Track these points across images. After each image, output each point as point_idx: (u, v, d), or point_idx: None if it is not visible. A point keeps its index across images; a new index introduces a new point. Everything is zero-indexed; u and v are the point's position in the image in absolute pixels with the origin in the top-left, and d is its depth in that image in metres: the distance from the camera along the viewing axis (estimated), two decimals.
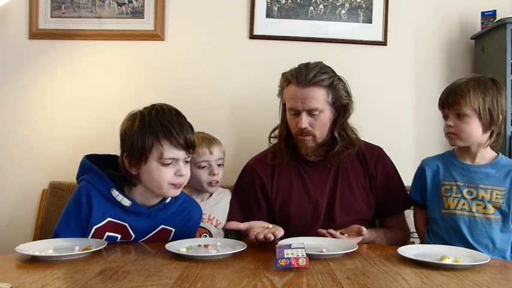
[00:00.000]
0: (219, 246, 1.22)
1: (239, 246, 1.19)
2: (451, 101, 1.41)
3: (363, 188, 1.60)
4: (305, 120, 1.50)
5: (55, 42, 2.17)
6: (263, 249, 1.24)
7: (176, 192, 1.30)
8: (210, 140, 1.62)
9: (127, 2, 2.16)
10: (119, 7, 2.17)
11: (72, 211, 1.29)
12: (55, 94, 2.17)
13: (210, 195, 1.68)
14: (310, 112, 1.50)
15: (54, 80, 2.18)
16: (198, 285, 0.92)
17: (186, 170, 1.29)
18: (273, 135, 1.71)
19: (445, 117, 1.46)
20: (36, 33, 2.16)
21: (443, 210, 1.45)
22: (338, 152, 1.56)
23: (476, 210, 1.41)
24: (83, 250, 1.15)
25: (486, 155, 1.45)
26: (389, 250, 1.23)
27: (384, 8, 2.18)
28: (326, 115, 1.53)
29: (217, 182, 1.63)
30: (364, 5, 2.18)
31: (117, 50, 2.18)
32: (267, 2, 2.17)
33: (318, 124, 1.52)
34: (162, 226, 1.36)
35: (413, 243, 1.87)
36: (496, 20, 2.02)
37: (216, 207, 1.65)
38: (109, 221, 1.29)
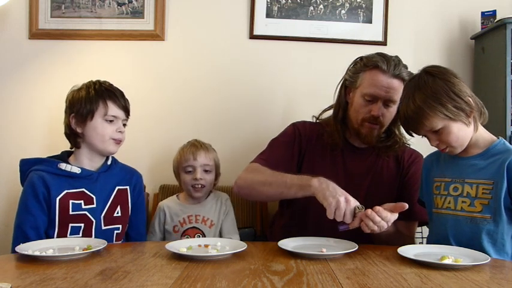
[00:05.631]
0: (219, 246, 1.22)
1: (239, 246, 1.19)
2: (415, 127, 1.26)
3: (394, 190, 1.57)
4: (381, 110, 1.50)
5: (55, 42, 2.17)
6: (263, 249, 1.24)
7: (116, 148, 1.50)
8: (196, 147, 1.69)
9: (127, 2, 2.16)
10: (119, 7, 2.17)
11: (28, 196, 1.41)
12: (55, 94, 2.17)
13: (207, 197, 1.71)
14: (387, 103, 1.51)
15: (54, 80, 2.18)
16: (198, 285, 0.92)
17: (124, 129, 1.53)
18: (317, 118, 1.71)
19: (425, 137, 1.30)
20: (36, 33, 2.16)
21: (434, 210, 1.35)
22: (389, 146, 1.57)
23: (461, 208, 1.25)
24: (83, 250, 1.16)
25: (480, 141, 1.28)
26: (389, 250, 1.23)
27: (384, 8, 2.18)
28: (394, 110, 1.53)
29: (202, 186, 1.67)
30: (364, 5, 2.18)
31: (117, 50, 2.18)
32: (267, 2, 2.17)
33: (388, 116, 1.53)
34: (117, 188, 1.51)
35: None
36: (496, 20, 2.02)
37: (211, 209, 1.68)
38: (66, 192, 1.42)
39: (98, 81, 1.54)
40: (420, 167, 1.57)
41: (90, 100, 1.47)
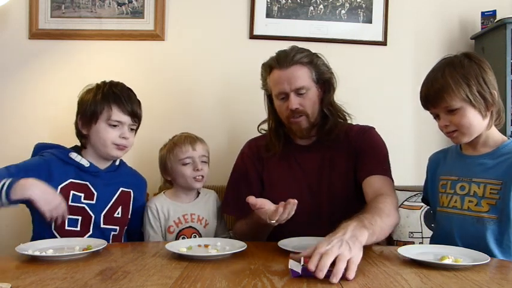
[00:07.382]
0: (219, 246, 1.23)
1: (239, 246, 1.19)
2: (434, 100, 1.23)
3: (351, 165, 1.53)
4: (295, 101, 1.50)
5: (55, 42, 2.17)
6: (263, 249, 1.24)
7: (119, 153, 1.50)
8: (192, 138, 1.65)
9: (127, 2, 2.16)
10: (119, 7, 2.17)
11: (28, 161, 1.44)
12: (55, 94, 2.17)
13: (197, 196, 1.67)
14: (298, 91, 1.51)
15: (55, 80, 2.18)
16: (198, 285, 0.92)
17: (130, 135, 1.51)
18: (260, 129, 1.73)
19: (436, 116, 1.28)
20: (36, 33, 2.16)
21: (439, 208, 1.34)
22: (331, 128, 1.56)
23: (468, 207, 1.24)
24: (83, 250, 1.16)
25: (491, 140, 1.26)
26: (389, 250, 1.23)
27: (384, 8, 2.18)
28: (313, 93, 1.53)
29: (203, 177, 1.62)
30: (364, 5, 2.18)
31: (117, 50, 2.18)
32: (267, 2, 2.17)
33: (307, 103, 1.52)
34: (121, 189, 1.52)
35: (413, 242, 1.87)
36: (496, 20, 2.03)
37: (204, 207, 1.64)
38: (71, 181, 1.44)
39: (111, 82, 1.52)
40: (371, 133, 1.57)
41: (96, 103, 1.46)
